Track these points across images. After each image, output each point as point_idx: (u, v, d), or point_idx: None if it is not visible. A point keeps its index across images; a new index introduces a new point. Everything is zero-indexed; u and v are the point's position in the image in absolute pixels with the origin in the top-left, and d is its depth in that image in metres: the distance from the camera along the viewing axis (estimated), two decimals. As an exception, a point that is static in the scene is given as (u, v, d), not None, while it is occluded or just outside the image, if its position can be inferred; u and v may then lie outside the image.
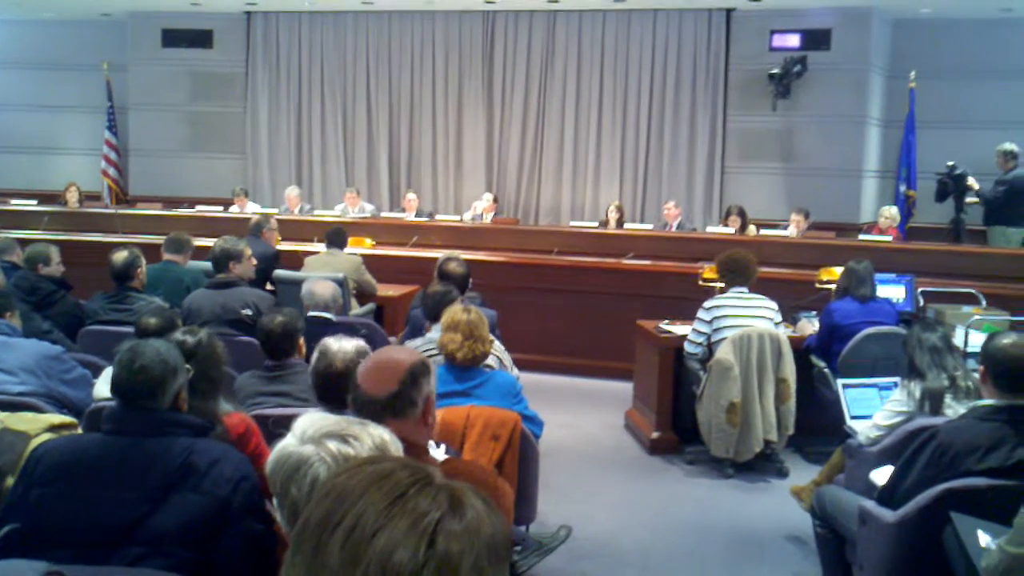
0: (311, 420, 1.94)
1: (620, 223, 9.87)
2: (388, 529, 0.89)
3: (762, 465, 5.45)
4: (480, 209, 10.35)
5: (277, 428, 2.12)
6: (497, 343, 4.21)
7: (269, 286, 6.37)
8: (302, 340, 3.74)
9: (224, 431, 2.75)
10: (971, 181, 9.31)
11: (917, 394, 3.81)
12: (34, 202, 10.16)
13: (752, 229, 9.40)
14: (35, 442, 2.89)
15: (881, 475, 3.39)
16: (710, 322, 5.36)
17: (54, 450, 2.40)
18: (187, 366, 2.63)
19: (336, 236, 6.97)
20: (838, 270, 5.91)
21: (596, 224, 9.91)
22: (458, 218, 10.28)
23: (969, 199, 9.45)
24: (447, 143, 11.81)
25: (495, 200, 10.57)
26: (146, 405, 2.44)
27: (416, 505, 0.91)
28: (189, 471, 2.29)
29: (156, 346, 2.56)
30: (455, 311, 3.75)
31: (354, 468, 0.98)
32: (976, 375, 3.45)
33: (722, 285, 5.57)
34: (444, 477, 0.97)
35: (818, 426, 5.42)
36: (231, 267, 5.47)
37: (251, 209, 10.02)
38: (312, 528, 0.93)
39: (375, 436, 1.91)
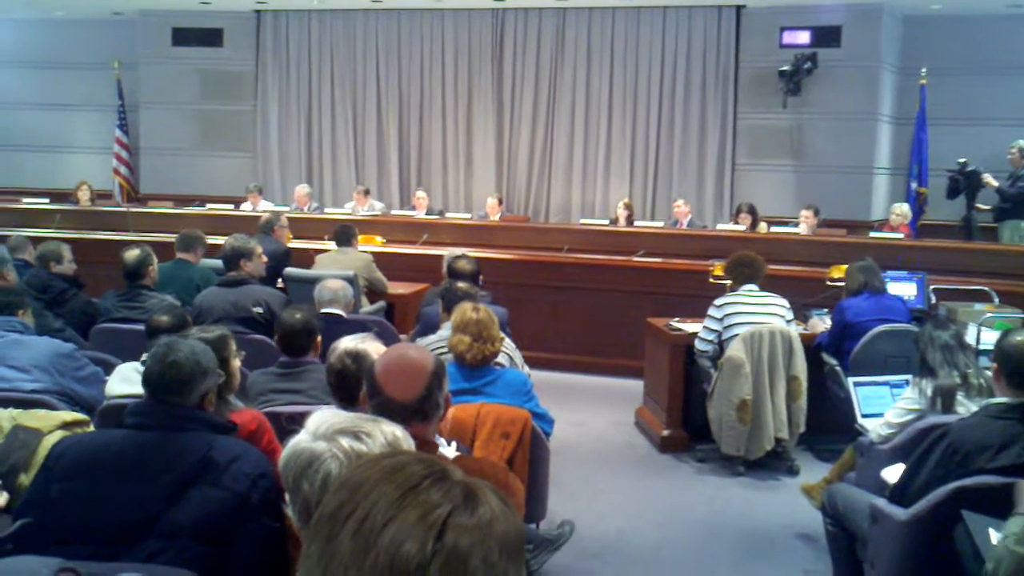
0: (324, 417, 1.94)
1: (630, 221, 9.85)
2: (398, 520, 0.88)
3: (773, 463, 5.44)
4: (484, 210, 10.30)
5: (291, 425, 2.13)
6: (507, 341, 4.20)
7: (280, 284, 6.39)
8: (319, 339, 3.76)
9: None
10: (987, 178, 9.24)
11: (929, 392, 3.79)
12: (46, 200, 10.22)
13: (763, 226, 9.38)
14: (48, 439, 2.92)
15: (892, 473, 3.38)
16: (721, 319, 5.35)
17: (75, 446, 2.43)
18: (219, 371, 2.67)
19: (346, 234, 6.98)
20: (850, 267, 5.88)
21: (606, 222, 9.89)
22: (468, 215, 10.26)
23: (981, 205, 9.38)
24: (457, 141, 11.81)
25: (500, 202, 10.46)
26: (171, 400, 2.49)
27: (428, 498, 0.91)
28: (208, 466, 2.31)
29: (192, 345, 2.61)
30: (465, 310, 3.74)
31: (370, 461, 0.98)
32: (989, 373, 3.44)
33: (731, 283, 5.56)
34: (463, 474, 0.96)
35: (829, 424, 5.40)
36: (242, 265, 5.48)
37: (264, 207, 10.05)
38: (326, 519, 0.93)
39: (387, 433, 1.91)
